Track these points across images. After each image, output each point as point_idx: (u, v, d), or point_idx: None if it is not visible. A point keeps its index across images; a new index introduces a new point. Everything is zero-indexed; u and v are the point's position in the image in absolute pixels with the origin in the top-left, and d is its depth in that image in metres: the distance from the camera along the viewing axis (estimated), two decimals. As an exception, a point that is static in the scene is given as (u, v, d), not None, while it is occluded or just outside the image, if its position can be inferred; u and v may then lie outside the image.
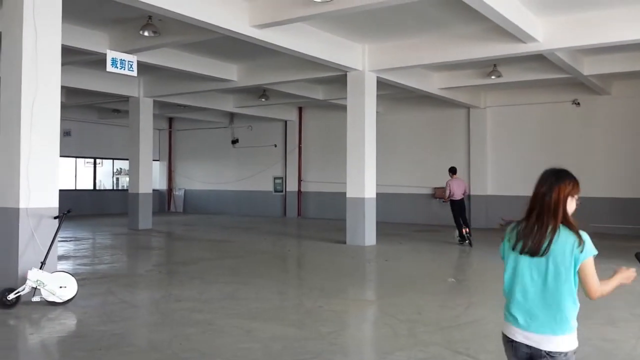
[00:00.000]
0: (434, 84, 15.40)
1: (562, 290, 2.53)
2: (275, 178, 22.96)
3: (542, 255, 2.55)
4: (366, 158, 12.93)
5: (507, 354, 2.71)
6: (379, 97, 13.97)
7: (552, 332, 2.54)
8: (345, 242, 13.11)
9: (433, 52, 12.08)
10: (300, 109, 22.08)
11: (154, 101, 17.89)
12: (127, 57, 9.35)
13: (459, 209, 13.23)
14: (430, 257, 11.82)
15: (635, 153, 15.65)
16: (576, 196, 2.61)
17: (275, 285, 8.46)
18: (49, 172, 7.19)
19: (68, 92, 17.27)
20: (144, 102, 17.30)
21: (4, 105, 7.16)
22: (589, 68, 13.36)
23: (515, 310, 2.63)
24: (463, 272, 10.07)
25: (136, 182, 17.19)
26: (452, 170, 13.48)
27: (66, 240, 13.54)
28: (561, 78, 14.16)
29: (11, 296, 6.50)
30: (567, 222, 2.56)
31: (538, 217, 2.59)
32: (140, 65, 10.72)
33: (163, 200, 26.01)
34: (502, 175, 17.89)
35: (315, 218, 21.38)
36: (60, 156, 7.50)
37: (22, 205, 6.89)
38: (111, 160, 24.82)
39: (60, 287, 6.74)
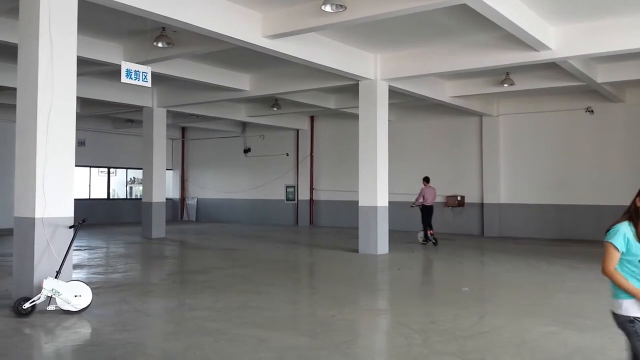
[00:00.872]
0: (446, 92, 15.38)
1: None
2: (287, 187, 23.02)
3: None
4: (378, 166, 12.92)
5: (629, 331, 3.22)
6: (390, 105, 13.97)
7: None
8: (357, 251, 13.10)
9: (445, 60, 12.08)
10: (312, 118, 22.15)
11: (167, 111, 18.08)
12: (141, 68, 9.44)
13: (429, 213, 15.12)
14: (443, 266, 11.77)
15: (650, 160, 15.50)
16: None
17: (288, 294, 8.47)
18: (64, 182, 7.24)
19: (83, 103, 17.50)
20: (158, 112, 17.47)
21: (20, 116, 7.22)
22: (602, 76, 13.28)
23: None
24: (477, 281, 10.00)
25: (149, 191, 17.33)
26: (426, 179, 15.46)
27: (80, 249, 13.66)
28: (574, 86, 14.08)
29: (27, 305, 6.56)
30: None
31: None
32: (154, 75, 10.81)
33: (176, 209, 26.16)
34: (515, 184, 17.78)
35: (327, 227, 21.37)
36: (75, 166, 7.56)
37: (38, 215, 6.92)
38: (125, 170, 25.04)
39: (75, 296, 6.79)
